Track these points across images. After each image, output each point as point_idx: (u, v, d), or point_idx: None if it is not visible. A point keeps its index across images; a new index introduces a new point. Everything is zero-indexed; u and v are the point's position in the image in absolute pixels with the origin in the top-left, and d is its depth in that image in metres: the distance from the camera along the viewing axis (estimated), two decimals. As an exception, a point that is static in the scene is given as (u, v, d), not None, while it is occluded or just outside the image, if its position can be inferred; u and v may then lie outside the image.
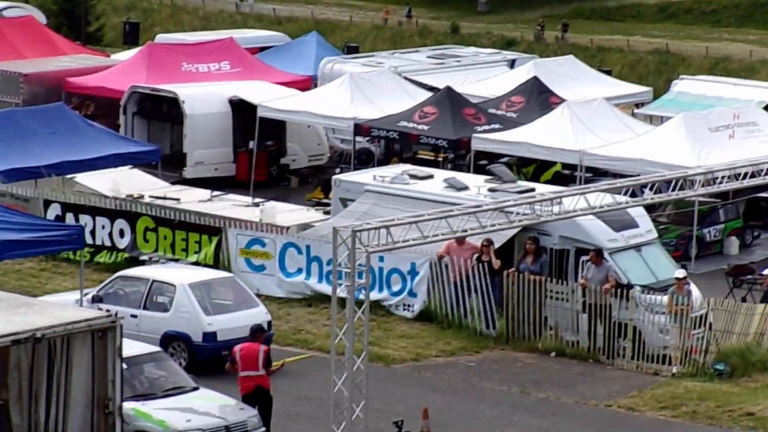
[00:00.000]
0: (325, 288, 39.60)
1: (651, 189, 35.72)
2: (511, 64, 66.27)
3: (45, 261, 40.95)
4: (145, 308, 37.83)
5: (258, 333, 34.06)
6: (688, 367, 39.76)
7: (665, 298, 40.22)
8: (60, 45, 63.04)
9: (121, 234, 45.76)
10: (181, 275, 38.49)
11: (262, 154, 55.54)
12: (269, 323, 37.91)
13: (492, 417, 36.10)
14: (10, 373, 27.73)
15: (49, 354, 27.02)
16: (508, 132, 52.78)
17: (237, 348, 33.35)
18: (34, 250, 38.10)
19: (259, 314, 38.16)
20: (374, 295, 36.80)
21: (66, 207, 45.86)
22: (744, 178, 37.21)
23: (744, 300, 43.90)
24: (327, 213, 46.21)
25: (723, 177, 36.41)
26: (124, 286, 38.56)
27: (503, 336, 41.18)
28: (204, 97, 56.23)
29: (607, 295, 40.22)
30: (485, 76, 62.33)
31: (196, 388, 33.22)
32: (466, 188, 43.24)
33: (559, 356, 40.31)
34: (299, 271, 43.69)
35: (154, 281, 38.20)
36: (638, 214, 41.90)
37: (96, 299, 38.99)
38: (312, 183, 54.81)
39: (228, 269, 44.02)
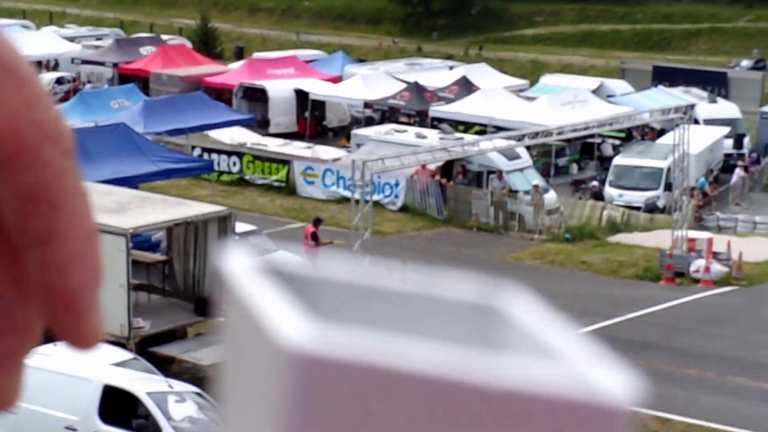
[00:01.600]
0: (347, 193, 38.71)
1: (529, 137, 35.11)
2: (451, 68, 64.40)
3: (191, 180, 40.64)
4: None
5: (316, 222, 34.10)
6: (549, 236, 39.94)
7: (535, 198, 40.19)
8: (199, 60, 62.38)
9: (234, 164, 45.54)
10: None
11: (312, 120, 54.84)
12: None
13: (438, 265, 34.52)
14: (173, 242, 27.61)
15: (195, 231, 26.86)
16: (449, 105, 52.58)
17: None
18: (185, 173, 37.45)
19: None
20: (375, 197, 36.10)
21: (203, 149, 45.38)
22: (578, 131, 36.60)
23: (580, 198, 44.26)
24: (349, 152, 45.46)
25: (567, 130, 35.80)
26: None
27: (447, 219, 41.16)
28: (280, 88, 55.49)
29: (505, 197, 40.35)
30: (436, 75, 60.72)
31: (276, 250, 32.40)
32: (426, 137, 42.78)
33: (479, 231, 40.14)
34: (333, 184, 43.58)
35: None
36: (522, 152, 41.86)
37: None
38: (340, 135, 53.69)
39: (294, 185, 44.28)
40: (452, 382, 0.30)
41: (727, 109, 54.59)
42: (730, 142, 50.04)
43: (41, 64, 61.87)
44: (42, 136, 0.37)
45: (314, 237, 33.32)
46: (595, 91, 55.12)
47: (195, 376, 25.04)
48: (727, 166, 48.74)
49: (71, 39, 69.01)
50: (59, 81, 59.16)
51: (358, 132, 46.80)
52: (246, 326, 0.33)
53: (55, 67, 63.96)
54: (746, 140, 51.62)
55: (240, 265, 0.37)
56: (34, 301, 0.38)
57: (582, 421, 0.31)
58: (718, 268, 33.65)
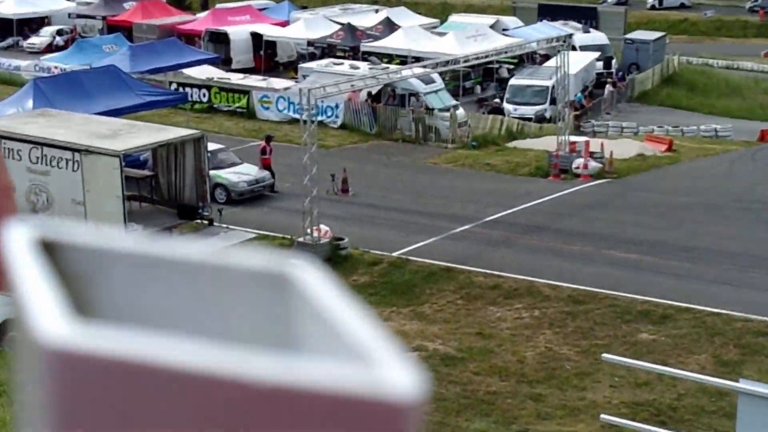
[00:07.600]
0: (297, 116, 35.04)
1: (441, 65, 33.25)
2: (376, 11, 60.02)
3: (170, 109, 38.80)
4: None
5: (267, 138, 32.16)
6: (459, 144, 37.55)
7: (447, 114, 37.86)
8: (172, 11, 58.56)
9: (204, 95, 42.60)
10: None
11: (266, 57, 51.76)
12: None
13: (371, 169, 33.55)
14: (158, 160, 26.96)
15: (175, 151, 26.33)
16: (376, 42, 49.46)
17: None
18: (165, 104, 35.86)
19: None
20: (319, 118, 33.83)
21: (179, 84, 42.47)
22: (480, 59, 35.23)
23: (483, 113, 41.41)
24: (297, 82, 42.25)
25: (471, 58, 34.50)
26: None
27: (377, 134, 38.60)
28: (239, 32, 52.34)
29: (423, 113, 37.87)
30: (365, 17, 57.47)
31: (241, 163, 31.64)
32: (359, 68, 40.29)
33: (403, 142, 37.60)
34: (285, 108, 40.77)
35: None
36: (436, 77, 39.47)
37: None
38: (289, 69, 50.16)
39: (254, 110, 41.74)
40: (218, 379, 0.20)
41: (597, 37, 51.53)
42: (600, 63, 47.83)
43: (44, 20, 58.82)
44: None
45: (263, 151, 31.61)
46: (492, 26, 52.74)
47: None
48: (599, 83, 46.53)
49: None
50: (59, 32, 56.17)
51: (304, 65, 44.81)
52: (20, 318, 0.22)
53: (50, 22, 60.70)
54: (614, 62, 49.08)
55: (20, 243, 0.24)
56: None
57: (365, 417, 0.19)
58: (594, 164, 31.75)
